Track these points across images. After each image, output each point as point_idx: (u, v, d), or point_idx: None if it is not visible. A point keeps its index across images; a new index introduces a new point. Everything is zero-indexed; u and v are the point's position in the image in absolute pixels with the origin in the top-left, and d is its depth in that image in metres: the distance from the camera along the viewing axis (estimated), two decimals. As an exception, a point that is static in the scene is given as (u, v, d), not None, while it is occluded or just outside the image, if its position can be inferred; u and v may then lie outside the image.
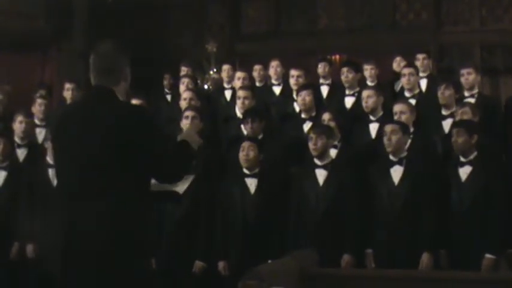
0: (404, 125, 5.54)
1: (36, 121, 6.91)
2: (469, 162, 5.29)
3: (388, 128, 5.41)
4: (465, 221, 5.16)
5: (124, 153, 2.88)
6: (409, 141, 5.75)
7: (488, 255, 5.07)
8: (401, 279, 4.41)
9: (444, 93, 6.29)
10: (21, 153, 6.51)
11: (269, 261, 5.03)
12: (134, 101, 6.44)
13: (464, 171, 5.29)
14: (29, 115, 6.71)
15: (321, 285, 4.37)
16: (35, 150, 6.50)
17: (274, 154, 5.97)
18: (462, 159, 5.33)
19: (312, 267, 4.59)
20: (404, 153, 5.41)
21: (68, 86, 7.41)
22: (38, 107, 6.98)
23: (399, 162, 5.34)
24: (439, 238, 5.20)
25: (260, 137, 6.04)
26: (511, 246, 5.29)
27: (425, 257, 5.12)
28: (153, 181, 3.06)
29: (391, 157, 5.38)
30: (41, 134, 6.87)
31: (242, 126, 6.39)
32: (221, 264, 5.52)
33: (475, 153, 5.32)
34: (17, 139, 6.51)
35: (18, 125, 6.53)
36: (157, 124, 3.05)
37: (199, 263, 5.58)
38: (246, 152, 5.58)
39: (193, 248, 5.58)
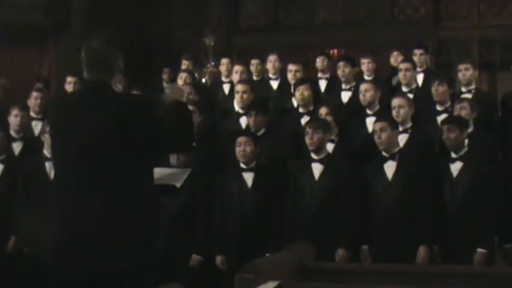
0: (393, 121, 5.55)
1: (32, 114, 6.82)
2: (460, 158, 5.31)
3: (377, 125, 5.43)
4: (458, 216, 5.18)
5: (124, 142, 2.86)
6: (407, 136, 5.77)
7: (480, 250, 5.10)
8: (396, 274, 4.41)
9: (438, 89, 6.30)
10: (16, 147, 6.48)
11: (266, 254, 5.05)
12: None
13: (455, 167, 5.31)
14: (25, 108, 6.66)
15: (318, 279, 4.37)
16: (31, 143, 6.47)
17: (272, 148, 5.97)
18: (453, 155, 5.35)
19: (309, 261, 4.60)
20: (397, 148, 5.42)
21: (69, 79, 7.22)
22: (33, 100, 6.89)
23: (392, 158, 5.35)
24: (433, 233, 5.21)
25: (262, 131, 6.04)
26: (507, 241, 5.31)
27: (422, 251, 5.13)
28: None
29: (383, 153, 5.40)
30: (36, 127, 6.81)
31: (241, 119, 6.39)
32: (219, 259, 5.53)
33: (466, 149, 5.34)
34: (12, 132, 6.47)
35: (14, 119, 6.48)
36: (156, 109, 3.01)
37: (197, 256, 5.59)
38: (242, 148, 5.58)
39: (190, 241, 5.59)
